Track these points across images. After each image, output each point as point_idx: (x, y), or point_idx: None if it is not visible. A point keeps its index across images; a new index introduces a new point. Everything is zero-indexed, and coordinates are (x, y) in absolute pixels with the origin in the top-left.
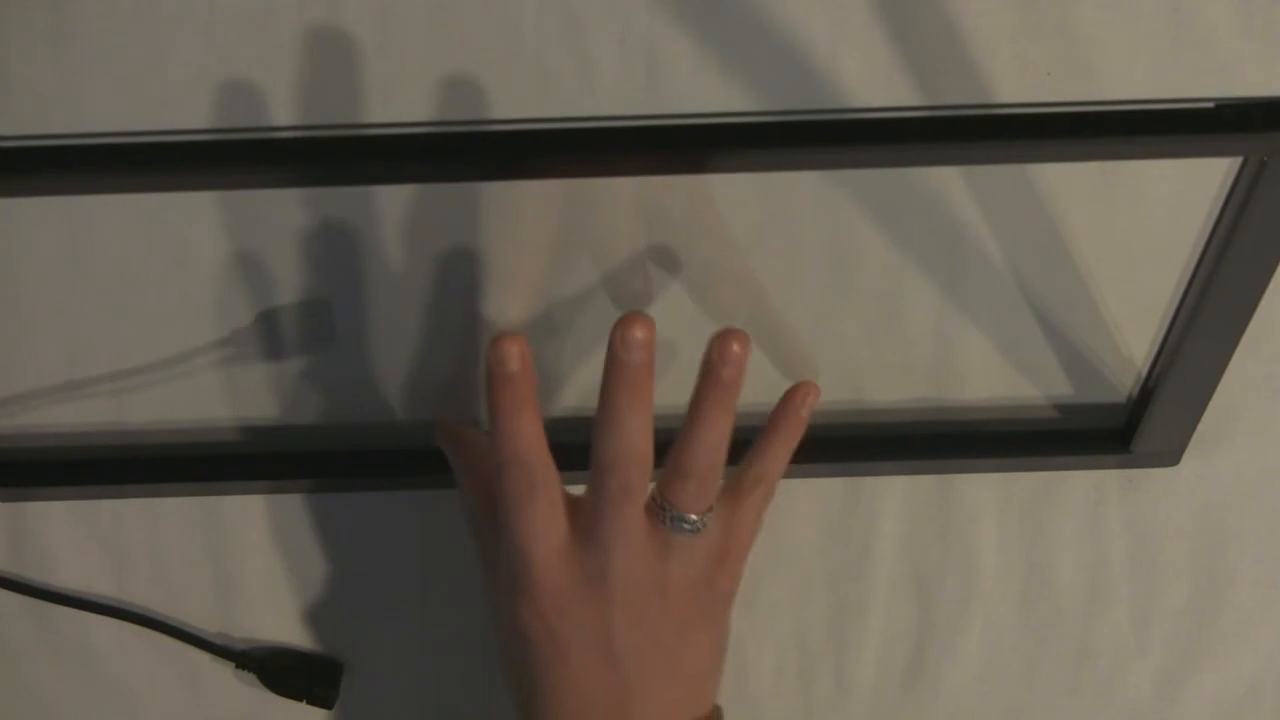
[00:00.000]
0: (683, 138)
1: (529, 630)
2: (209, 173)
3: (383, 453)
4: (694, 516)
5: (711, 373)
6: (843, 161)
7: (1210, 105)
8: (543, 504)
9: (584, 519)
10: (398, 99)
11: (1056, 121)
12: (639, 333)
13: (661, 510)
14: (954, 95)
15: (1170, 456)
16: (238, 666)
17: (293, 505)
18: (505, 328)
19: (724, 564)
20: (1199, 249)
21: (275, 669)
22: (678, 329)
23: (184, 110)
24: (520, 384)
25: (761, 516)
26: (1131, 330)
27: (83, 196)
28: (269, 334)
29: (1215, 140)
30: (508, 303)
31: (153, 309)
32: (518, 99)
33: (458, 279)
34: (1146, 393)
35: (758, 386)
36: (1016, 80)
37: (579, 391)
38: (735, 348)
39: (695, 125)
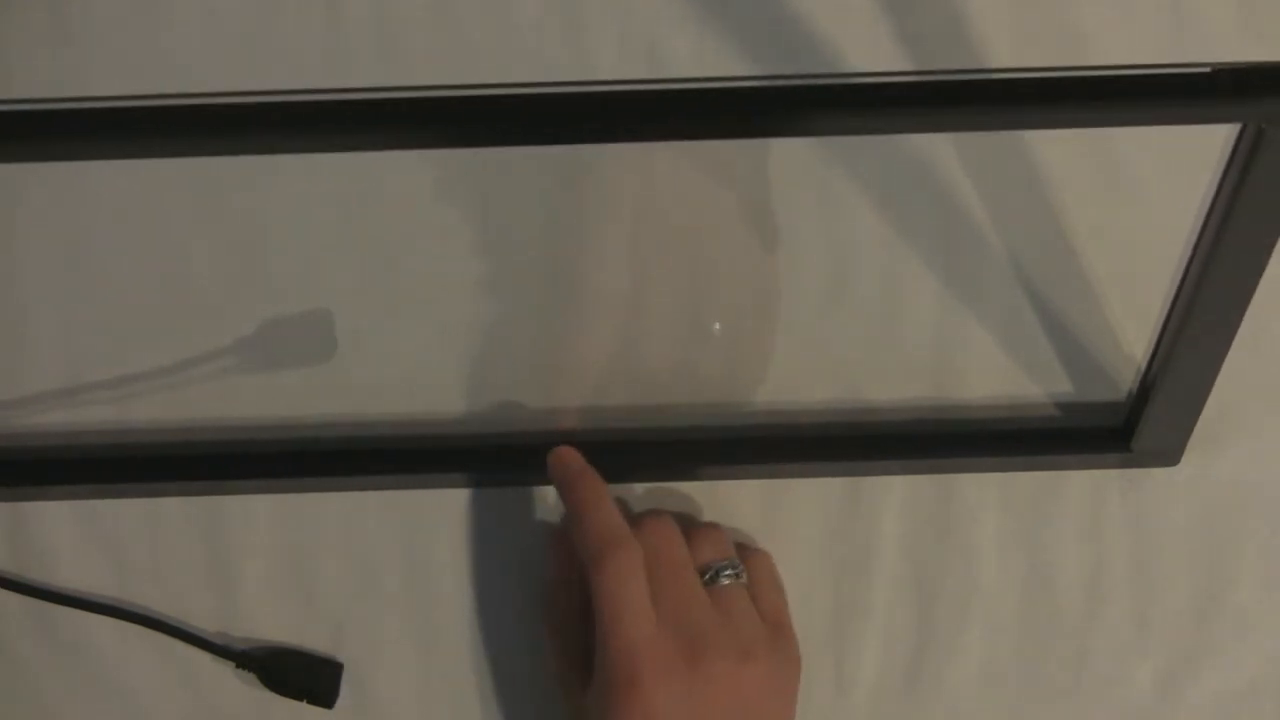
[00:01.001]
0: (681, 103)
1: None
2: (205, 137)
3: (384, 452)
4: (724, 561)
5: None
6: (839, 128)
7: (1207, 70)
8: (640, 590)
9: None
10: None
11: (1051, 86)
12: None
13: (702, 576)
14: None
15: (1170, 456)
16: (238, 666)
17: (293, 505)
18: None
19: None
20: (1195, 225)
21: (275, 669)
22: (678, 328)
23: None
24: (592, 477)
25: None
26: (1131, 327)
27: (83, 197)
28: (269, 344)
29: (1211, 106)
30: (507, 300)
31: (153, 313)
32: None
33: (457, 275)
34: (1146, 388)
35: (759, 387)
36: None
37: (571, 386)
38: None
39: (695, 90)
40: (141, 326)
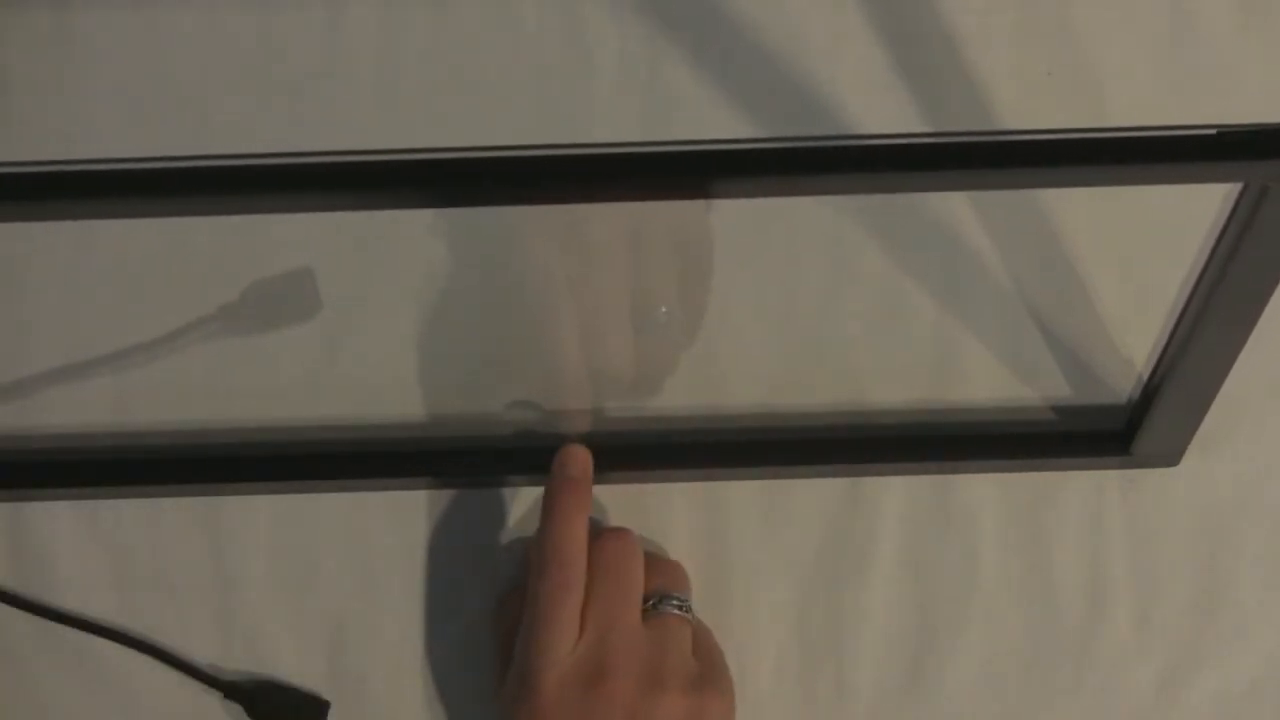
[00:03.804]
0: (682, 164)
1: None
2: (209, 200)
3: (384, 454)
4: (675, 593)
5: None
6: (843, 187)
7: (1212, 132)
8: (570, 608)
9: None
10: (396, 114)
11: (1057, 149)
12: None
13: (645, 600)
14: (954, 95)
15: (1170, 457)
16: (225, 696)
17: (293, 506)
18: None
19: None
20: (1199, 260)
21: (262, 703)
22: (677, 330)
23: (183, 112)
24: (581, 489)
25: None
26: (1131, 332)
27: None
28: (256, 306)
29: (1217, 167)
30: (507, 301)
31: (145, 295)
32: (517, 116)
33: (455, 280)
34: (1147, 396)
35: (760, 388)
36: (1016, 80)
37: (571, 387)
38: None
39: (695, 152)
40: (136, 301)
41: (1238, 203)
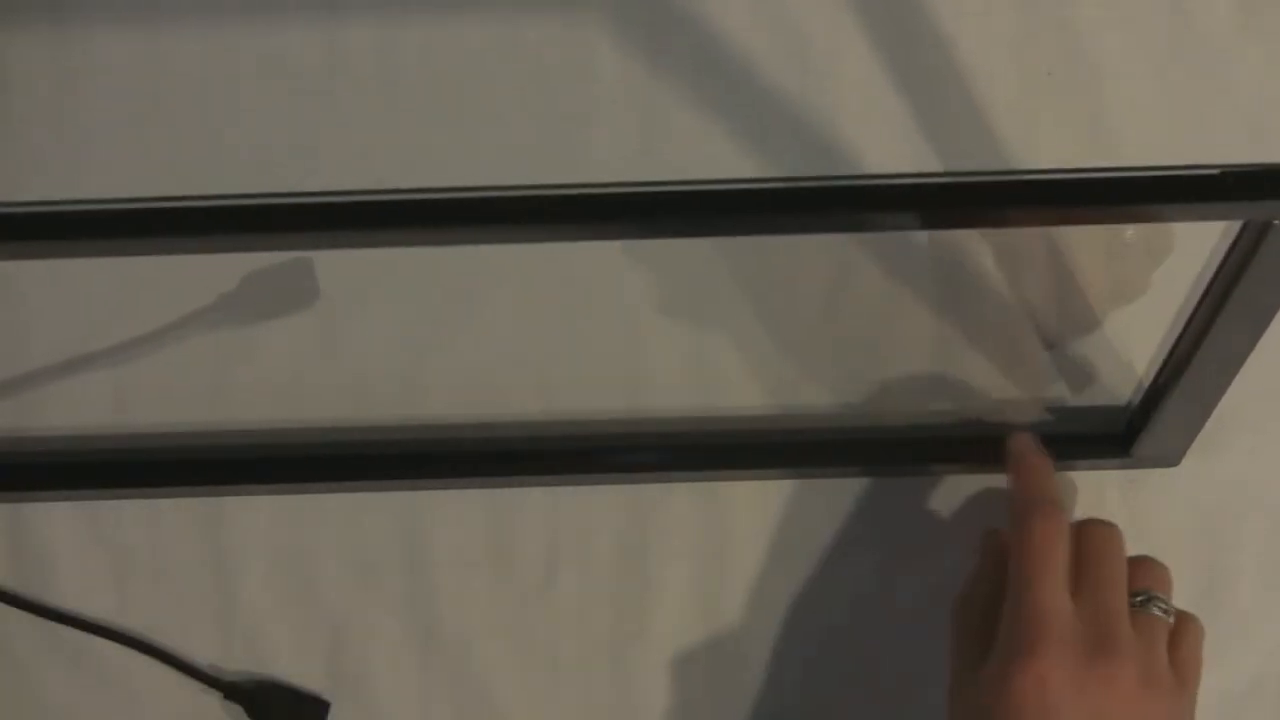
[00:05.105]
0: (682, 204)
1: (1025, 696)
2: (202, 238)
3: (383, 455)
4: (1161, 594)
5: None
6: (848, 225)
7: (1215, 172)
8: (1062, 554)
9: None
10: (396, 133)
11: (1062, 188)
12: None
13: (1133, 598)
14: (954, 96)
15: (1171, 458)
16: (225, 697)
17: (293, 506)
18: None
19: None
20: (1201, 280)
21: (262, 703)
22: (681, 331)
23: (182, 116)
24: (1044, 456)
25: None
26: (1133, 335)
27: (77, 175)
28: (254, 295)
29: (1219, 206)
30: (507, 302)
31: (143, 285)
32: (516, 127)
33: (452, 282)
34: (1148, 403)
35: (761, 389)
36: (1016, 80)
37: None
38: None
39: (697, 191)
40: (134, 291)
41: (1239, 236)
